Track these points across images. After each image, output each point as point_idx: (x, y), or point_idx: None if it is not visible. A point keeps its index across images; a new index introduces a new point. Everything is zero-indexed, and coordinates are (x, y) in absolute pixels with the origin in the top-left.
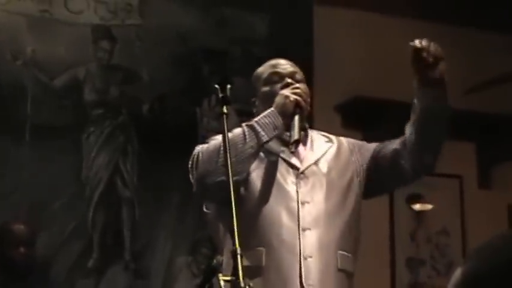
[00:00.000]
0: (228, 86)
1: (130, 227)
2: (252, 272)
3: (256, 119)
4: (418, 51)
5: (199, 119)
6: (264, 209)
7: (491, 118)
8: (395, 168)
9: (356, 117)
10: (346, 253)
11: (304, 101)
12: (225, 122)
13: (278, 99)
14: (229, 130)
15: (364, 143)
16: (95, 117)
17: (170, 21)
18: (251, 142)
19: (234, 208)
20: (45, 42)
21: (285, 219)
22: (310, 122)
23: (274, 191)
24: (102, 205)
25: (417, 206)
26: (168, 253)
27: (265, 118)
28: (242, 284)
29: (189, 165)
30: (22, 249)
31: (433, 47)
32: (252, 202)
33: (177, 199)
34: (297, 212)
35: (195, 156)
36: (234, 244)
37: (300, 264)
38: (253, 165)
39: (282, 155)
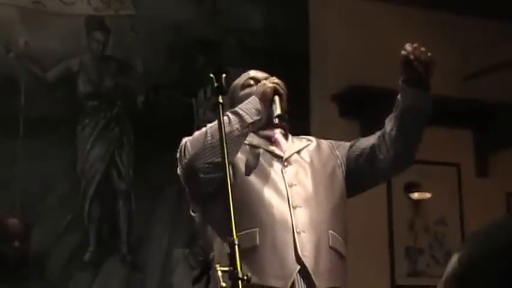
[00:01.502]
0: (223, 76)
1: (126, 220)
2: (248, 253)
3: (238, 106)
4: (408, 60)
5: (195, 110)
6: (253, 193)
7: (489, 105)
8: (373, 163)
9: (353, 106)
10: (336, 234)
11: (282, 89)
12: (220, 111)
13: (257, 89)
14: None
15: (342, 142)
16: (89, 109)
17: (164, 11)
18: (236, 125)
19: (231, 198)
20: (38, 34)
21: (275, 199)
22: (307, 113)
23: (262, 177)
24: (98, 198)
25: (415, 195)
26: (165, 245)
27: (247, 104)
28: (240, 274)
29: (177, 156)
30: (16, 243)
31: (424, 55)
32: (241, 188)
33: (173, 191)
34: (286, 193)
35: (183, 146)
36: (231, 235)
37: (294, 238)
38: (238, 158)
39: (264, 147)
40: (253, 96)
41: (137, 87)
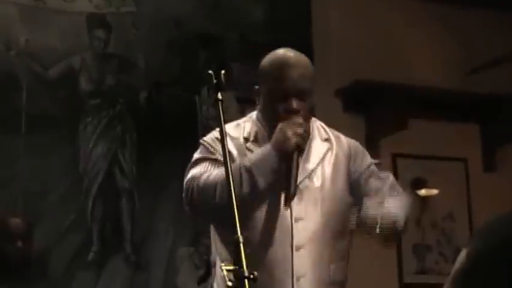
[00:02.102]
0: (222, 72)
1: (130, 219)
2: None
3: (254, 159)
4: None
5: (198, 107)
6: (257, 227)
7: (495, 99)
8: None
9: (357, 102)
10: (339, 263)
11: (304, 139)
12: (220, 108)
13: (278, 137)
14: (226, 120)
15: (364, 154)
16: (91, 107)
17: (165, 7)
18: (247, 189)
19: (233, 196)
20: (38, 31)
21: (278, 237)
22: (310, 109)
23: (268, 208)
24: (101, 197)
25: (422, 192)
26: (169, 244)
27: (263, 162)
28: (246, 273)
29: (183, 197)
30: (19, 244)
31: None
32: (246, 221)
33: (176, 188)
34: (290, 230)
35: (189, 191)
36: (235, 232)
37: (293, 283)
38: None
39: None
40: (272, 150)
41: (139, 85)
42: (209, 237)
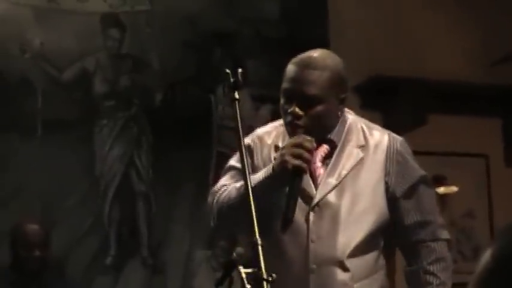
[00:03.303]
0: (240, 71)
1: (146, 222)
2: None
3: (256, 179)
4: None
5: (214, 107)
6: (274, 246)
7: None
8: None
9: (375, 98)
10: (366, 280)
11: (306, 161)
12: (237, 107)
13: (278, 158)
14: (242, 118)
15: (407, 171)
16: (106, 109)
17: (179, 5)
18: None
19: (251, 196)
20: (53, 33)
21: (294, 257)
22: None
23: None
24: (118, 200)
25: (441, 189)
26: (186, 247)
27: (263, 184)
28: (265, 276)
29: (208, 209)
30: (36, 252)
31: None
32: (264, 236)
33: (193, 191)
34: (306, 250)
35: (210, 207)
36: (253, 235)
37: None
38: None
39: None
40: (271, 173)
41: (154, 85)
42: (226, 240)
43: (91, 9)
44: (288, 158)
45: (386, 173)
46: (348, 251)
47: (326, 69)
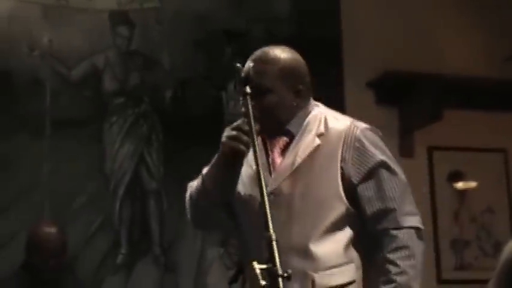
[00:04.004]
0: (251, 65)
1: (158, 220)
2: None
3: (206, 169)
4: None
5: (224, 103)
6: (243, 236)
7: None
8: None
9: (390, 93)
10: (329, 270)
11: (244, 143)
12: (248, 102)
13: (221, 145)
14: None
15: (365, 157)
16: (116, 107)
17: (189, 2)
18: (202, 199)
19: (264, 190)
20: (61, 31)
21: (254, 245)
22: (341, 101)
23: (247, 214)
24: (129, 198)
25: (460, 185)
26: (199, 245)
27: (211, 168)
28: (280, 272)
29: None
30: (52, 262)
31: None
32: (239, 225)
33: None
34: (263, 238)
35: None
36: (267, 230)
37: None
38: (240, 183)
39: (255, 167)
40: (216, 157)
41: (164, 82)
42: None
43: (99, 7)
44: (225, 140)
45: (342, 159)
46: (307, 239)
47: (277, 62)
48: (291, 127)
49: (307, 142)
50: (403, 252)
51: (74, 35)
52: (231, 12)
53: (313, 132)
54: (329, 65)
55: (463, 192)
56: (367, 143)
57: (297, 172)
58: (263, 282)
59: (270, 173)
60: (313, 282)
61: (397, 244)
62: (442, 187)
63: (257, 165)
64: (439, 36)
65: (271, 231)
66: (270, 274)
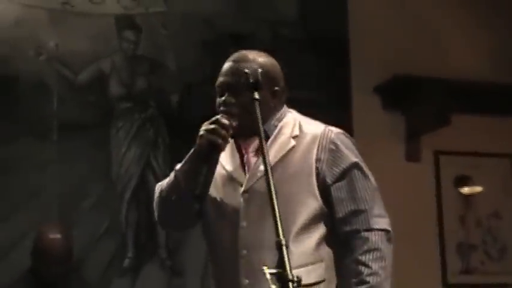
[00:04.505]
0: (260, 71)
1: None
2: None
3: (179, 165)
4: None
5: None
6: (212, 236)
7: None
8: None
9: (397, 98)
10: (304, 268)
11: (222, 136)
12: (257, 108)
13: (198, 138)
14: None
15: (339, 159)
16: (122, 111)
17: (195, 6)
18: (172, 192)
19: (274, 193)
20: (67, 35)
21: (227, 245)
22: (348, 106)
23: (220, 213)
24: (135, 202)
25: (466, 189)
26: (205, 248)
27: (185, 164)
28: (290, 276)
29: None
30: (57, 269)
31: None
32: (206, 228)
33: None
34: (236, 235)
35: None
36: (277, 235)
37: None
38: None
39: (228, 167)
40: (192, 151)
41: (170, 86)
42: None
43: (105, 11)
44: (203, 133)
45: (317, 159)
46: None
47: (255, 63)
48: (266, 128)
49: (282, 143)
50: (375, 254)
51: (80, 39)
52: (238, 15)
53: (288, 135)
54: (336, 68)
55: (469, 197)
56: (341, 146)
57: (271, 171)
58: (273, 287)
59: (245, 173)
60: None
61: (368, 246)
62: (448, 191)
63: (266, 171)
64: (447, 42)
65: (281, 236)
66: (281, 279)
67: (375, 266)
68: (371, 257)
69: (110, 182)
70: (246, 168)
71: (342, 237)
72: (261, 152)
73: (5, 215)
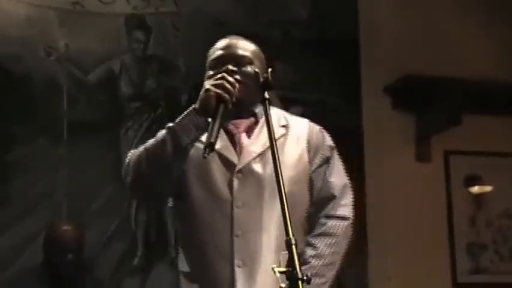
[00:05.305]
0: (270, 70)
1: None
2: (191, 279)
3: (177, 119)
4: None
5: None
6: (199, 217)
7: None
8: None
9: (408, 98)
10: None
11: (228, 92)
12: (267, 107)
13: (200, 94)
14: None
15: (323, 147)
16: (132, 111)
17: (206, 6)
18: (171, 147)
19: (284, 194)
20: (77, 35)
21: (219, 225)
22: (358, 106)
23: (209, 194)
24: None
25: (476, 189)
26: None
27: (185, 118)
28: (300, 275)
29: (122, 174)
30: (70, 256)
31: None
32: (188, 208)
33: None
34: (230, 216)
35: (125, 165)
36: (287, 234)
37: (233, 273)
38: (190, 161)
39: (218, 148)
40: (193, 106)
41: (180, 87)
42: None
43: (115, 11)
44: (209, 87)
45: (308, 149)
46: (275, 218)
47: (253, 44)
48: (257, 110)
49: (273, 128)
50: (328, 239)
51: (90, 39)
52: (248, 15)
53: (276, 123)
54: (346, 69)
55: (479, 197)
56: (327, 137)
57: (266, 154)
58: (283, 285)
59: (236, 152)
60: (279, 257)
61: (323, 230)
62: (458, 191)
63: (275, 165)
64: (457, 42)
65: (291, 235)
66: (290, 278)
67: (323, 250)
68: (322, 241)
69: (120, 182)
70: (238, 148)
71: (310, 221)
72: (271, 151)
73: (17, 216)
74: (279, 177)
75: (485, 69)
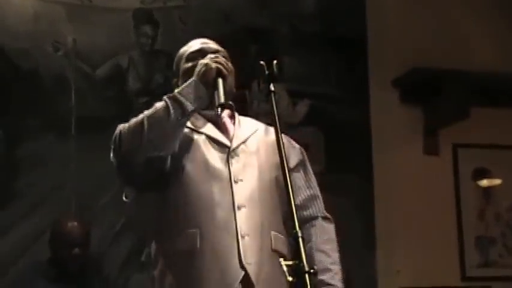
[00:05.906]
0: (275, 62)
1: None
2: (185, 257)
3: (177, 90)
4: None
5: (248, 102)
6: (195, 189)
7: None
8: None
9: (416, 91)
10: (278, 234)
11: (226, 69)
12: (273, 100)
13: (198, 68)
14: (279, 114)
15: (293, 148)
16: (140, 106)
17: (213, 0)
18: (176, 113)
19: (290, 189)
20: (85, 30)
21: (218, 197)
22: (366, 99)
23: (205, 170)
24: None
25: (484, 182)
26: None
27: (187, 88)
28: (306, 268)
29: (111, 146)
30: (76, 250)
31: None
32: (182, 183)
33: None
34: (230, 190)
35: (117, 136)
36: (294, 227)
37: (238, 243)
38: (180, 145)
39: (209, 133)
40: (194, 78)
41: None
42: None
43: (123, 6)
44: (208, 61)
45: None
46: (265, 196)
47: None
48: (230, 102)
49: (249, 122)
50: (333, 245)
51: (98, 34)
52: (256, 10)
53: (249, 119)
54: (354, 62)
55: (488, 190)
56: (292, 140)
57: (253, 139)
58: (290, 278)
59: (225, 136)
60: (270, 235)
61: (328, 236)
62: (467, 184)
63: (281, 157)
64: (466, 34)
65: (298, 228)
66: (296, 270)
67: (334, 256)
68: (331, 247)
69: None
70: (226, 132)
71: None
72: (277, 144)
73: (25, 212)
74: (284, 164)
75: (494, 62)
